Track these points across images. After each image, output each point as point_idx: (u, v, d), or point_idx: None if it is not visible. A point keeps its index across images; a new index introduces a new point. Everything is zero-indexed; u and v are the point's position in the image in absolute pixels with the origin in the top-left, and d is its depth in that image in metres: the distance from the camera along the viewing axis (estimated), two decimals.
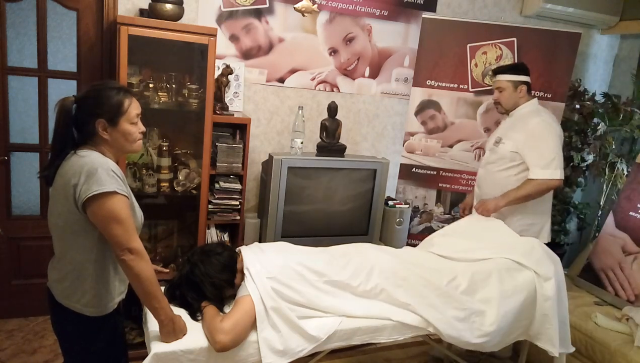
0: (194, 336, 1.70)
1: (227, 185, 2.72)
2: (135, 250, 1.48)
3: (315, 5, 2.24)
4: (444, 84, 3.15)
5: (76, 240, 1.51)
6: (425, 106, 3.18)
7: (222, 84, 2.76)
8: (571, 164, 3.66)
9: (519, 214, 2.60)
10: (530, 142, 2.52)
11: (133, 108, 1.57)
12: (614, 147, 3.59)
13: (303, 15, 2.31)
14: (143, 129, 1.63)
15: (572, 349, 2.25)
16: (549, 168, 2.47)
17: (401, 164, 3.31)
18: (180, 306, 1.85)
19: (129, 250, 1.47)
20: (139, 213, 1.65)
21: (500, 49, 3.10)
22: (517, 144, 2.55)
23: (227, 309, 1.84)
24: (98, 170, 1.44)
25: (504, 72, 2.63)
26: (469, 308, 2.06)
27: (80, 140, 1.55)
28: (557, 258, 2.30)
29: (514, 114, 2.65)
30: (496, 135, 2.71)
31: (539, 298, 2.15)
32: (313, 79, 3.22)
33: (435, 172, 3.22)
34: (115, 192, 1.46)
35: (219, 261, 1.91)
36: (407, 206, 3.14)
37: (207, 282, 1.85)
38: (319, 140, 2.90)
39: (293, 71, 3.16)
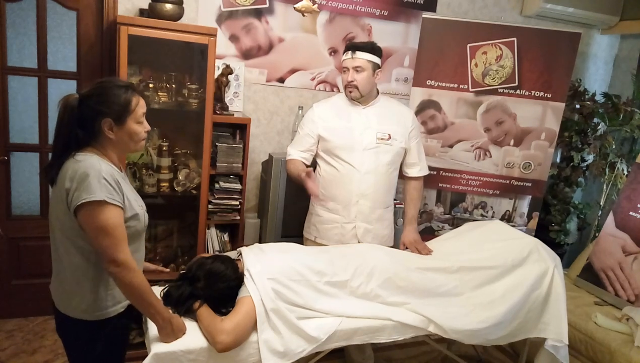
0: (194, 336, 1.70)
1: (227, 185, 2.72)
2: (120, 262, 1.42)
3: (315, 5, 2.24)
4: (444, 84, 3.15)
5: (74, 243, 1.49)
6: (426, 106, 3.17)
7: (222, 84, 2.76)
8: (571, 163, 3.67)
9: (387, 206, 2.48)
10: (416, 138, 2.47)
11: (140, 107, 1.53)
12: (614, 147, 3.59)
13: (303, 15, 2.30)
14: (148, 127, 1.59)
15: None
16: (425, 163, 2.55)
17: None
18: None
19: (114, 262, 1.42)
20: (142, 215, 1.61)
21: (500, 49, 3.10)
22: (404, 139, 2.40)
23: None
24: (89, 177, 1.40)
25: (365, 50, 2.30)
26: (471, 304, 2.07)
27: (84, 139, 1.49)
28: (556, 256, 2.31)
29: (375, 104, 2.39)
30: (374, 130, 2.34)
31: (540, 294, 2.16)
32: (313, 79, 3.22)
33: (435, 172, 3.22)
34: (104, 202, 1.40)
35: (226, 275, 1.84)
36: None
37: (219, 298, 1.82)
38: None
39: (293, 71, 3.16)
